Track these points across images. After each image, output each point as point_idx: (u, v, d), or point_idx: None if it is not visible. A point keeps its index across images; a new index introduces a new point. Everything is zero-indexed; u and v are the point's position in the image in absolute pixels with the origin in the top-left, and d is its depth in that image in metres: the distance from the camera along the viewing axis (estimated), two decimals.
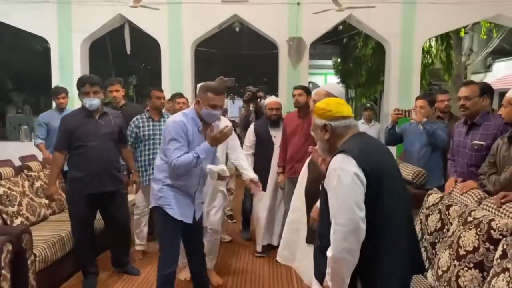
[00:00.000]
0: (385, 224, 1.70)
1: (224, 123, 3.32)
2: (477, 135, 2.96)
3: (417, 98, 4.21)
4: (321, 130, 1.88)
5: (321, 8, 6.64)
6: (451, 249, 2.27)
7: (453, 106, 4.29)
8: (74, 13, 7.49)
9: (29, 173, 3.88)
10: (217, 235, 3.56)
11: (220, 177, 2.79)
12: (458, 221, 2.36)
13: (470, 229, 2.19)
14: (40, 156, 4.91)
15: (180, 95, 4.66)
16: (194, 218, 2.84)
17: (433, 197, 2.86)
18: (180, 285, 3.45)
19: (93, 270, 3.42)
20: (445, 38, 11.77)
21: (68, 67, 7.55)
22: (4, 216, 3.36)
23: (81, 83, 3.27)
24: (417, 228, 2.81)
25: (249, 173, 3.35)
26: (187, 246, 2.97)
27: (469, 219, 2.27)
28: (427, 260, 2.59)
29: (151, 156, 3.90)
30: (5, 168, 3.69)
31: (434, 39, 11.58)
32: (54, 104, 5.14)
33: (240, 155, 3.51)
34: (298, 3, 7.35)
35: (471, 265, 2.10)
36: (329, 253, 1.68)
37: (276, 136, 4.14)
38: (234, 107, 16.78)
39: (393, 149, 5.72)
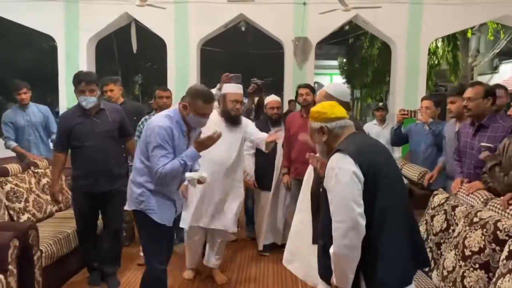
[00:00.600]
0: (383, 220, 1.72)
1: (247, 121, 3.46)
2: (485, 137, 2.93)
3: (422, 99, 4.20)
4: (318, 133, 1.93)
5: (327, 8, 6.64)
6: (456, 250, 2.26)
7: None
8: (81, 12, 7.54)
9: (36, 170, 3.90)
10: (228, 236, 3.56)
11: (200, 182, 2.76)
12: (464, 222, 2.36)
13: (476, 230, 2.19)
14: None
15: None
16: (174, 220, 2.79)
17: (438, 197, 2.85)
18: (184, 284, 3.45)
19: (97, 266, 3.43)
20: (451, 39, 11.73)
21: (74, 65, 7.58)
22: (11, 212, 3.38)
23: (77, 80, 3.15)
24: (422, 228, 2.81)
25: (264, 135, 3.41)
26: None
27: (475, 219, 2.26)
28: (432, 261, 2.59)
29: None
30: (13, 164, 3.72)
31: (440, 39, 11.55)
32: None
33: (260, 134, 3.49)
34: (304, 3, 7.35)
35: (477, 265, 2.09)
36: (331, 250, 1.72)
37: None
38: None
39: (398, 150, 5.71)
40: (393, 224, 1.74)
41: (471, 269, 2.11)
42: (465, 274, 2.13)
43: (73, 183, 3.33)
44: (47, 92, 14.89)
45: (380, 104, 5.30)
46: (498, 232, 2.06)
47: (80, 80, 3.14)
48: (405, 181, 3.63)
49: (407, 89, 7.56)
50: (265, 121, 4.19)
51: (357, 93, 18.26)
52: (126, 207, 2.77)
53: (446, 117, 9.20)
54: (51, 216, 3.80)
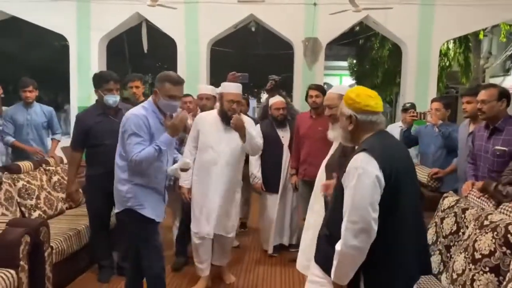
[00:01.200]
0: (397, 226, 1.72)
1: (247, 119, 3.36)
2: (499, 140, 2.89)
3: (432, 101, 4.18)
4: (346, 119, 1.87)
5: (338, 8, 6.62)
6: (466, 253, 2.25)
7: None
8: (93, 11, 7.60)
9: (47, 168, 3.95)
10: (231, 241, 3.54)
11: (184, 170, 2.74)
12: (474, 225, 2.34)
13: (486, 233, 2.17)
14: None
15: (186, 95, 4.57)
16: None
17: (448, 200, 2.83)
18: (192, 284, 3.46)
19: (107, 263, 3.46)
20: (463, 41, 11.60)
21: (85, 65, 7.66)
22: (23, 209, 3.43)
23: (105, 79, 3.24)
24: (432, 231, 2.79)
25: None
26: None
27: (486, 222, 2.25)
28: (442, 263, 2.57)
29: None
30: (25, 162, 3.77)
31: (452, 41, 11.43)
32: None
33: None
34: (315, 4, 7.34)
35: (487, 269, 2.07)
36: (338, 247, 1.69)
37: (284, 136, 4.09)
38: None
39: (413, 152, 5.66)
40: (405, 231, 1.74)
41: (481, 272, 2.09)
42: (474, 277, 2.11)
43: (88, 183, 3.36)
44: (58, 90, 15.06)
45: (408, 104, 4.94)
46: (509, 235, 2.04)
47: (108, 79, 3.24)
48: None
49: (418, 91, 7.50)
50: (270, 122, 4.13)
51: None
52: (115, 210, 2.75)
53: (456, 119, 9.13)
54: (61, 213, 3.84)
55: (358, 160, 1.72)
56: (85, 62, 7.70)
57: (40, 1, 7.40)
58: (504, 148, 2.83)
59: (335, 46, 16.30)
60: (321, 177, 2.74)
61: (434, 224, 2.82)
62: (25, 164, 3.69)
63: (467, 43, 11.80)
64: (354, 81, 17.62)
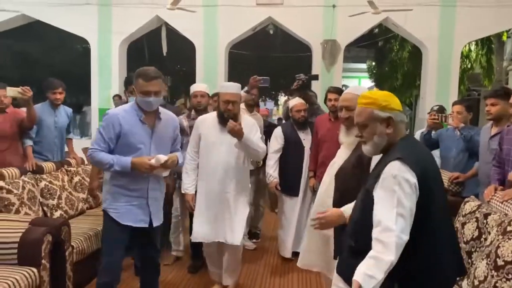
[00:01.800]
0: (431, 231, 1.70)
1: (247, 121, 3.17)
2: None
3: (454, 103, 4.11)
4: (381, 123, 1.77)
5: (357, 10, 6.58)
6: (488, 259, 2.20)
7: None
8: (114, 15, 7.75)
9: (69, 168, 4.03)
10: (238, 252, 3.24)
11: (165, 165, 2.57)
12: (497, 231, 2.29)
13: (510, 239, 2.12)
14: None
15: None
16: (150, 222, 2.67)
17: (470, 204, 2.77)
18: None
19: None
20: (485, 42, 11.38)
21: (107, 67, 7.80)
22: (45, 208, 3.50)
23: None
24: None
25: None
26: (141, 252, 2.85)
27: (509, 228, 2.19)
28: None
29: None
30: (47, 162, 3.85)
31: (474, 43, 11.23)
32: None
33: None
34: (334, 6, 7.31)
35: (510, 276, 2.02)
36: (386, 257, 1.59)
37: (306, 139, 4.04)
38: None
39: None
40: (439, 235, 1.72)
41: (504, 279, 2.04)
42: (497, 284, 2.06)
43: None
44: (79, 92, 15.32)
45: (435, 107, 4.55)
46: None
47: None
48: None
49: (438, 94, 7.39)
50: (291, 124, 4.09)
51: None
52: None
53: (478, 122, 8.94)
54: (82, 213, 3.91)
55: (395, 168, 1.65)
56: (106, 64, 7.84)
57: (63, 6, 7.58)
58: None
59: (353, 48, 16.20)
60: (327, 185, 2.61)
61: (455, 229, 2.77)
62: (47, 165, 3.77)
63: (490, 45, 11.57)
64: (373, 83, 17.46)
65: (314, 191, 3.95)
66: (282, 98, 21.54)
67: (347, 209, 2.03)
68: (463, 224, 2.69)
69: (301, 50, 10.87)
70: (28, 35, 12.13)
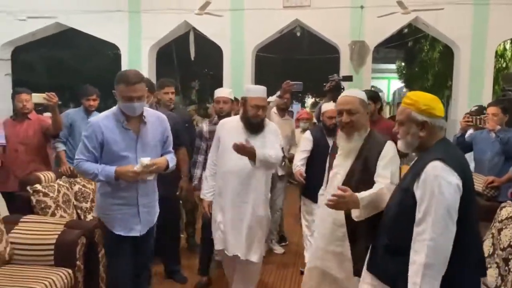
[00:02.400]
0: (468, 234, 1.69)
1: (270, 127, 3.04)
2: None
3: (489, 105, 3.99)
4: (417, 126, 1.81)
5: (385, 11, 6.48)
6: None
7: None
8: (143, 21, 7.91)
9: None
10: (249, 265, 2.99)
11: (152, 170, 2.45)
12: None
13: None
14: None
15: None
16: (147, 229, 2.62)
17: (506, 210, 2.68)
18: None
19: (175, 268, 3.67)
20: None
21: None
22: (79, 211, 3.61)
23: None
24: (489, 242, 2.65)
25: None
26: (133, 259, 2.66)
27: None
28: (499, 277, 2.44)
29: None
30: None
31: (509, 41, 10.84)
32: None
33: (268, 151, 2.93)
34: (362, 7, 7.22)
35: None
36: (421, 259, 1.61)
37: None
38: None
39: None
40: (472, 239, 1.73)
41: None
42: None
43: None
44: (108, 98, 15.72)
45: (474, 107, 4.37)
46: None
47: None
48: None
49: (471, 95, 7.17)
50: (321, 130, 3.89)
51: None
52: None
53: None
54: None
55: (436, 169, 1.66)
56: (136, 69, 8.00)
57: (95, 13, 7.80)
58: None
59: (382, 49, 15.92)
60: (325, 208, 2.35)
61: (491, 235, 2.68)
62: None
63: None
64: (402, 84, 17.13)
65: None
66: (309, 100, 21.42)
67: (363, 195, 2.04)
68: (500, 230, 2.60)
69: (328, 52, 10.77)
70: (61, 43, 12.54)
